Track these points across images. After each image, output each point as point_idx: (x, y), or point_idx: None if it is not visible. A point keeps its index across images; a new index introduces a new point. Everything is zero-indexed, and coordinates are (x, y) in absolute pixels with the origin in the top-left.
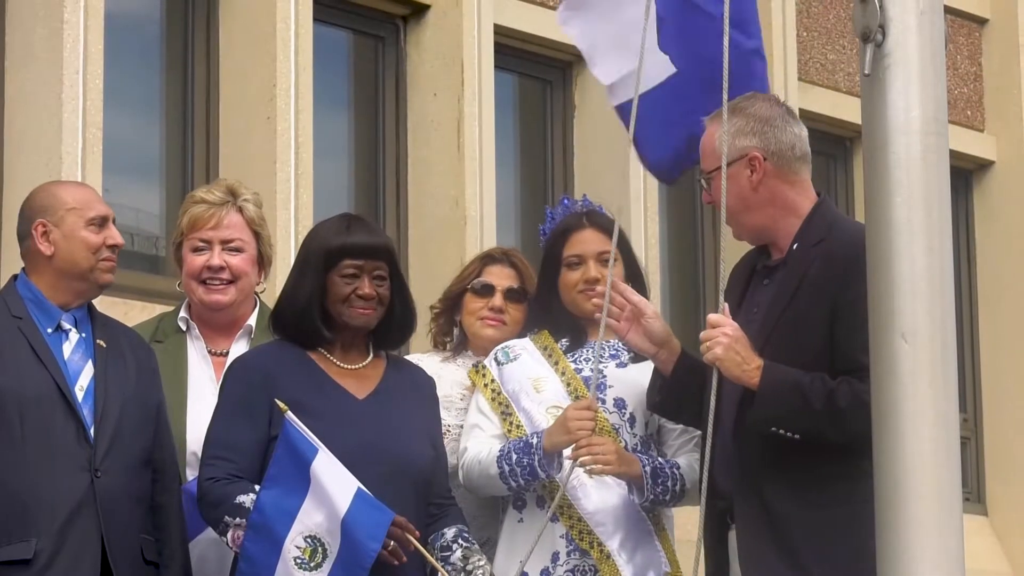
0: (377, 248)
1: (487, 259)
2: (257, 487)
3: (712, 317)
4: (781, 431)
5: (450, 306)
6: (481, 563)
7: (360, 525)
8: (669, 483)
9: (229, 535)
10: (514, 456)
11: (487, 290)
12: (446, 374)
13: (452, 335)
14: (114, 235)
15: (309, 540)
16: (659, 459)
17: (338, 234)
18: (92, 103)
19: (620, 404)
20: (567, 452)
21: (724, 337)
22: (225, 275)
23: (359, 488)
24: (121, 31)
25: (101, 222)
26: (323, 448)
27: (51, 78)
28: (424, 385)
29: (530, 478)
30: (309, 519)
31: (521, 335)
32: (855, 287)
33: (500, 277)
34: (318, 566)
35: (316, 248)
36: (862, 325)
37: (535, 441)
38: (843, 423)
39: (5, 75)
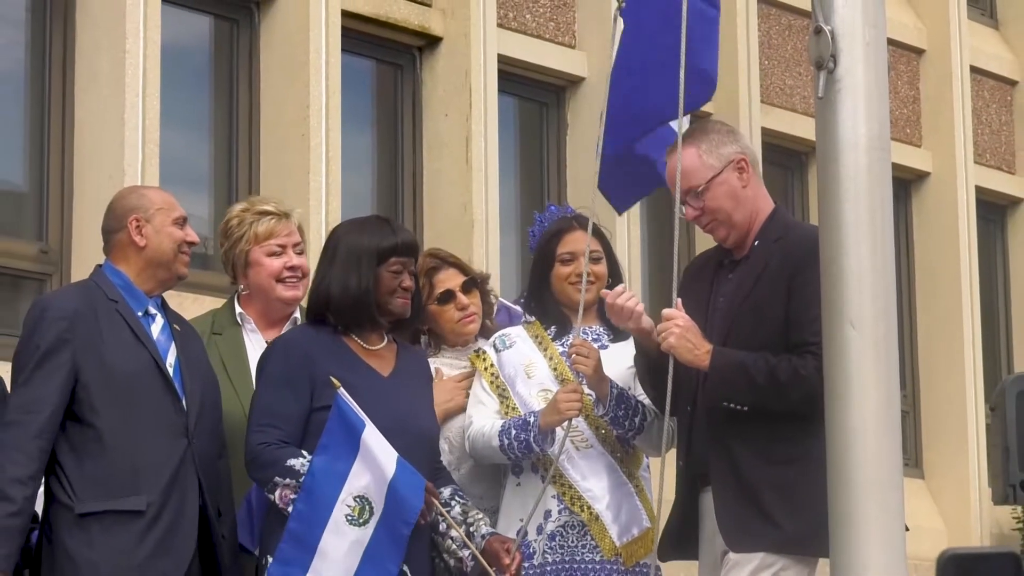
0: (416, 247)
1: (430, 272)
2: (304, 452)
3: (666, 312)
4: (731, 405)
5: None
6: (479, 516)
7: (405, 487)
8: (631, 412)
9: (277, 493)
10: (513, 431)
11: (448, 296)
12: (436, 367)
13: (420, 342)
14: (191, 234)
15: (358, 499)
16: (630, 392)
17: (386, 235)
18: (150, 123)
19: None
20: (559, 430)
21: (676, 328)
22: (299, 273)
23: (399, 456)
24: (175, 60)
25: (183, 222)
26: (369, 421)
27: (114, 101)
28: (426, 366)
29: (526, 451)
30: (357, 482)
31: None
32: (806, 274)
33: (451, 279)
34: (365, 522)
35: (369, 246)
36: (809, 306)
37: (532, 420)
38: (783, 395)
39: (74, 99)
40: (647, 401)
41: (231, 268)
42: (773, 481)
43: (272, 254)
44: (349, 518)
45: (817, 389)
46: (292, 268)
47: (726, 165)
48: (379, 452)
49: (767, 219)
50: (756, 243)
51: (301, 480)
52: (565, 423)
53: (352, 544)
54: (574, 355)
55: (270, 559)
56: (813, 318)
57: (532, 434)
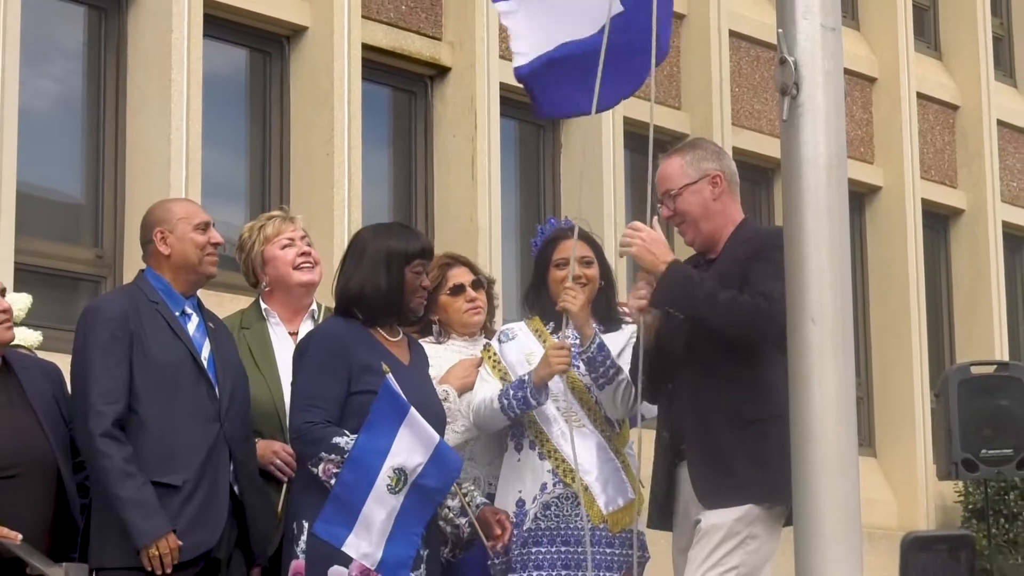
0: (433, 251)
1: (444, 267)
2: (346, 432)
3: (633, 223)
4: (673, 311)
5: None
6: (472, 488)
7: (443, 464)
8: (608, 362)
9: (321, 467)
10: (511, 392)
11: (459, 289)
12: (445, 354)
13: (431, 332)
14: (215, 235)
15: (397, 471)
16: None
17: (412, 239)
18: (192, 143)
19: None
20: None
21: (640, 240)
22: (312, 259)
23: (440, 438)
24: (215, 88)
25: (205, 226)
26: (411, 406)
27: (161, 125)
28: (427, 357)
29: (524, 407)
30: (397, 457)
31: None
32: (762, 256)
33: (462, 276)
34: (401, 491)
35: (397, 249)
36: (761, 274)
37: (527, 378)
38: (717, 311)
39: (126, 122)
40: (626, 368)
41: (251, 273)
42: (740, 442)
43: (284, 247)
44: (389, 487)
45: (750, 316)
46: (304, 254)
47: (702, 177)
48: (421, 432)
49: (737, 227)
50: (726, 245)
51: (344, 456)
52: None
53: (390, 510)
54: (563, 293)
55: (306, 524)
56: (760, 281)
57: (528, 390)
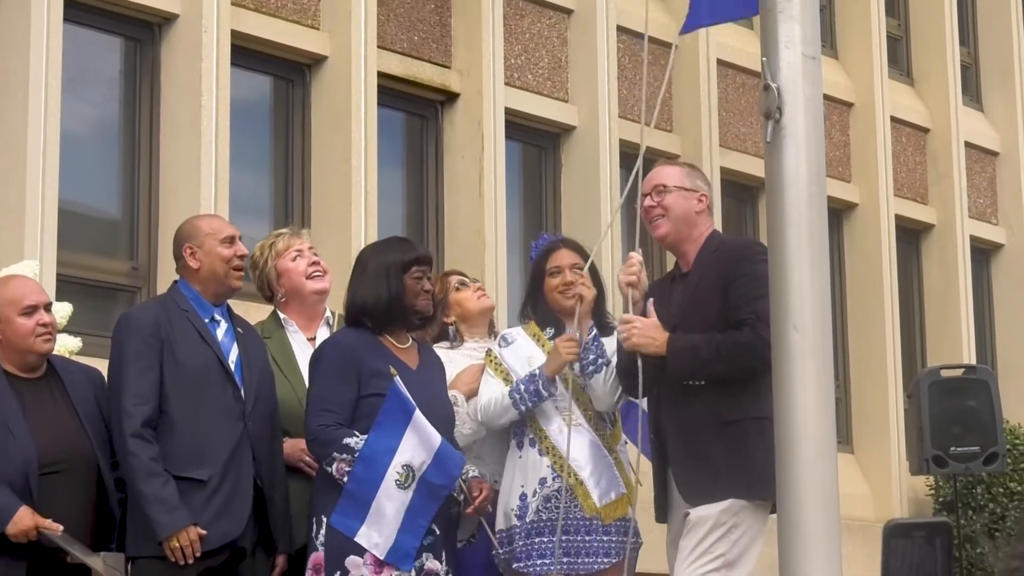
0: (430, 258)
1: (442, 279)
2: (356, 432)
3: (623, 316)
4: (691, 381)
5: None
6: (473, 471)
7: (446, 460)
8: (601, 349)
9: (335, 466)
10: (522, 386)
11: (463, 284)
12: (458, 358)
13: (447, 337)
14: (240, 248)
15: (405, 468)
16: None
17: (407, 250)
18: (221, 164)
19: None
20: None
21: (635, 329)
22: (321, 268)
23: (443, 438)
24: (242, 112)
25: (231, 240)
26: (417, 408)
27: (192, 146)
28: (439, 361)
29: (536, 399)
30: (405, 454)
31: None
32: (739, 273)
33: (459, 280)
34: (409, 486)
35: (394, 260)
36: (743, 295)
37: (537, 372)
38: (727, 362)
39: (160, 144)
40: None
41: (266, 287)
42: (720, 443)
43: (295, 259)
44: (398, 483)
45: (756, 352)
46: (314, 264)
47: (693, 189)
48: (425, 433)
49: (706, 240)
50: (697, 256)
51: (355, 455)
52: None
53: (399, 503)
54: (577, 286)
55: (324, 518)
56: (747, 302)
57: (541, 382)
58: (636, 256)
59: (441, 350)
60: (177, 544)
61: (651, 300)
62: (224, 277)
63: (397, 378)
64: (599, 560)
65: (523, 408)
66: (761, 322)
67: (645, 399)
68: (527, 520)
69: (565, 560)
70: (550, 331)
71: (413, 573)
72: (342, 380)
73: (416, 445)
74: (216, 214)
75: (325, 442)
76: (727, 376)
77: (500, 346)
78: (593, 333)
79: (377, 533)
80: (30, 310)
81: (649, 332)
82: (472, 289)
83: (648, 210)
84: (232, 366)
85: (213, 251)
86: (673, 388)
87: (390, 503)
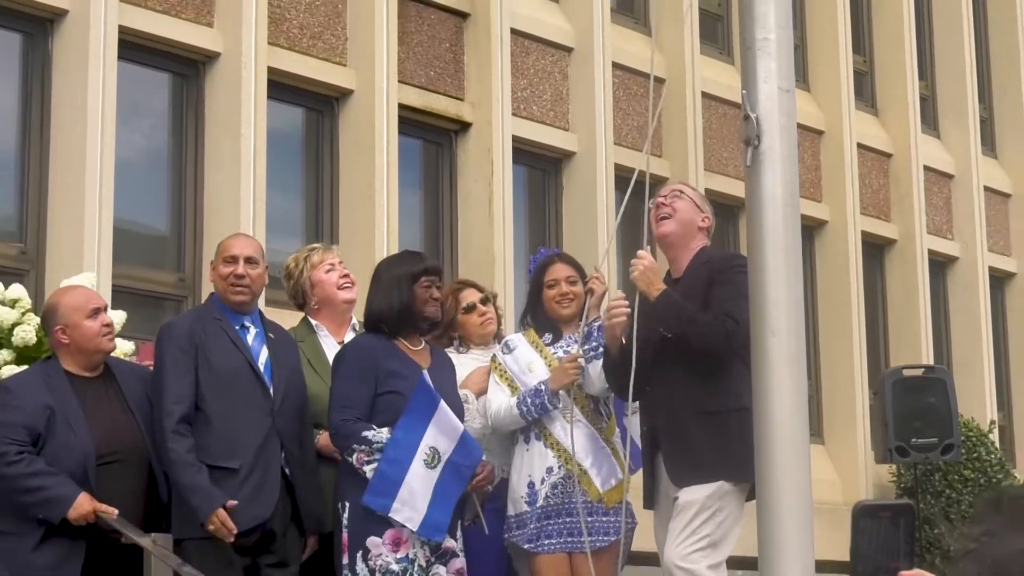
0: (439, 269)
1: (455, 291)
2: (374, 426)
3: (639, 252)
4: (662, 330)
5: (445, 330)
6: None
7: (468, 444)
8: (601, 339)
9: (355, 456)
10: (528, 400)
11: (471, 308)
12: (465, 361)
13: (453, 344)
14: (236, 269)
15: (431, 450)
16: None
17: (416, 262)
18: (259, 187)
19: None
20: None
21: (642, 266)
22: (350, 280)
23: (463, 425)
24: (277, 142)
25: (232, 260)
26: (441, 399)
27: (232, 172)
28: (450, 361)
29: (543, 411)
30: (431, 438)
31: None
32: (722, 276)
33: (471, 296)
34: (436, 465)
35: (404, 272)
36: (724, 296)
37: (543, 388)
38: (697, 330)
39: (204, 170)
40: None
41: (299, 296)
42: (705, 432)
43: (328, 271)
44: (426, 463)
45: (717, 336)
46: (344, 276)
47: (702, 208)
48: (449, 419)
49: (696, 253)
50: (689, 267)
51: (373, 447)
52: (571, 400)
53: (429, 481)
54: (591, 281)
55: (348, 504)
56: (721, 301)
57: (546, 397)
58: (642, 261)
59: (449, 353)
60: (215, 525)
61: (650, 248)
62: (224, 293)
63: (425, 372)
64: (600, 539)
65: (529, 419)
66: (730, 318)
67: (633, 418)
68: (538, 506)
69: (570, 539)
70: (547, 336)
71: (427, 550)
72: (361, 380)
73: (440, 431)
74: (237, 233)
75: (346, 435)
76: (691, 341)
77: (503, 352)
78: (599, 323)
79: (409, 508)
80: (95, 313)
81: (650, 275)
82: (477, 315)
83: (659, 207)
84: (261, 367)
85: (216, 269)
86: (661, 384)
87: (420, 481)
